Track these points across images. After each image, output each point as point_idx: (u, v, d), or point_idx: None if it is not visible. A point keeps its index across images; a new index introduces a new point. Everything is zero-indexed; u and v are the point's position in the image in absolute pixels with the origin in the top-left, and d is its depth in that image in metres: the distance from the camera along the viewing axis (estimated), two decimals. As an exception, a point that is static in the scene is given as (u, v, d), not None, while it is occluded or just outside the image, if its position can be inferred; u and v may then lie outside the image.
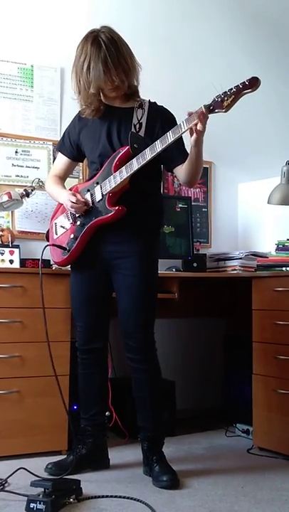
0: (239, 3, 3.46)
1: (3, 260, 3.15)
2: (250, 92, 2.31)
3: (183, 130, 2.45)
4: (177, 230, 3.80)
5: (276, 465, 2.98)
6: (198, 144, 2.54)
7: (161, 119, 2.70)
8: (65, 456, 2.86)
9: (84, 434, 2.83)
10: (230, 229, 4.36)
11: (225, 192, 4.36)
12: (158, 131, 2.65)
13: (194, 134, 2.48)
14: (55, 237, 2.90)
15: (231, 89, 2.33)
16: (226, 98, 2.34)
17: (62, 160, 2.96)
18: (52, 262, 3.01)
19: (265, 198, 3.77)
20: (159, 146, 2.50)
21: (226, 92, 2.35)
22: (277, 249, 3.53)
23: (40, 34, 3.61)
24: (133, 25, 3.57)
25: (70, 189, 2.87)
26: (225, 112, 2.37)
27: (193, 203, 4.05)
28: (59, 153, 2.97)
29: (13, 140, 3.60)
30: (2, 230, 3.34)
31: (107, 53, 2.57)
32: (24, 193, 3.40)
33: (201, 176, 4.16)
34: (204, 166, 4.19)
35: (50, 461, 2.76)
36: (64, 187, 2.92)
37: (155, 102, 2.78)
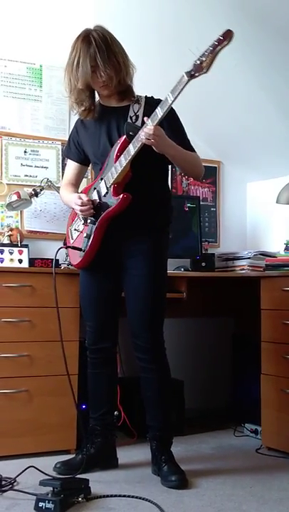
0: (246, 3, 3.46)
1: (12, 260, 3.16)
2: (226, 45, 2.27)
3: (170, 102, 2.42)
4: (186, 230, 3.80)
5: (285, 465, 2.98)
6: (160, 150, 2.55)
7: None
8: (74, 455, 2.86)
9: (93, 433, 2.84)
10: (238, 228, 4.35)
11: (233, 191, 4.36)
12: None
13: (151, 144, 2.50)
14: (71, 241, 2.90)
15: (208, 49, 2.30)
16: (204, 59, 2.32)
17: (71, 166, 2.96)
18: (61, 263, 3.02)
19: (274, 197, 3.77)
20: (149, 124, 2.48)
21: (203, 54, 2.32)
22: (286, 248, 3.53)
23: (48, 34, 3.61)
24: (141, 25, 3.56)
25: (82, 192, 2.87)
26: (206, 72, 2.34)
27: (201, 203, 4.05)
28: (68, 160, 2.98)
29: (22, 140, 3.61)
30: (11, 230, 3.35)
31: (97, 49, 2.58)
32: (33, 192, 3.41)
33: (210, 175, 4.21)
34: (212, 165, 4.22)
35: (58, 461, 2.76)
36: (77, 192, 2.91)
37: (152, 97, 2.77)
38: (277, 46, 3.44)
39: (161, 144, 2.53)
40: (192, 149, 2.76)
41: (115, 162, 2.62)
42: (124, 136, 2.62)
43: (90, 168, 3.57)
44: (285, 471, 2.86)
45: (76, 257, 2.81)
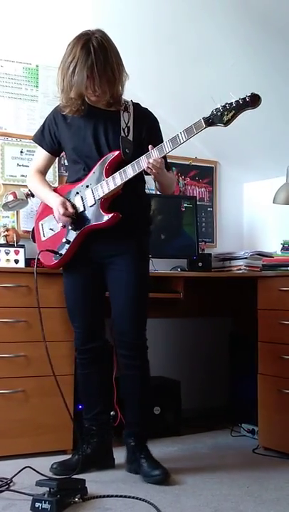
0: (245, 2, 3.46)
1: (8, 260, 3.16)
2: (251, 109, 2.31)
3: (181, 141, 2.46)
4: (182, 230, 3.81)
5: (281, 465, 2.98)
6: (158, 179, 2.66)
7: (147, 123, 2.72)
8: (70, 455, 2.86)
9: (88, 433, 2.83)
10: (235, 228, 4.35)
11: (230, 191, 4.36)
12: (144, 136, 2.68)
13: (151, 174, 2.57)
14: (42, 239, 2.88)
15: (231, 103, 2.31)
16: (225, 113, 2.34)
17: (42, 155, 2.90)
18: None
19: (271, 197, 3.77)
20: (156, 154, 2.51)
21: (225, 107, 2.34)
22: (283, 248, 3.53)
23: (45, 34, 3.61)
24: (138, 25, 3.56)
25: (55, 190, 2.85)
26: (224, 126, 2.38)
27: (198, 203, 4.05)
28: (39, 147, 2.92)
29: (18, 140, 3.61)
30: (7, 230, 3.35)
31: (95, 61, 2.54)
32: (29, 192, 3.40)
33: (206, 175, 4.22)
34: (209, 165, 4.23)
35: (55, 461, 2.76)
36: (49, 186, 2.90)
37: (139, 104, 2.77)
38: (279, 46, 3.45)
39: (161, 175, 2.60)
40: (169, 168, 2.81)
41: (106, 176, 2.62)
42: (119, 152, 2.62)
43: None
44: (281, 471, 2.86)
45: (50, 259, 2.81)
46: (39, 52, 3.65)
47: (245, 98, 2.29)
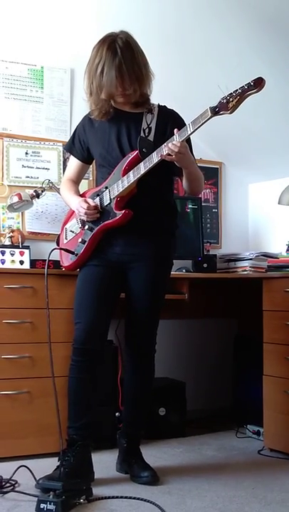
0: (250, 3, 3.45)
1: (13, 261, 3.17)
2: (255, 92, 2.30)
3: (189, 132, 2.44)
4: (187, 231, 3.80)
5: (287, 466, 2.97)
6: (182, 165, 2.59)
7: (172, 121, 2.68)
8: (54, 469, 2.64)
9: (72, 445, 2.65)
10: (240, 230, 4.35)
11: (235, 192, 4.36)
12: (169, 134, 2.62)
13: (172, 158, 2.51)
14: (65, 242, 2.88)
15: (236, 90, 2.31)
16: (231, 99, 2.33)
17: (73, 163, 2.92)
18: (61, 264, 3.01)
19: (276, 198, 3.77)
20: (176, 138, 2.48)
21: (231, 94, 2.33)
22: (288, 249, 3.52)
23: (50, 35, 3.62)
24: (143, 26, 3.55)
25: (82, 195, 2.85)
26: (230, 113, 2.36)
27: (203, 204, 4.05)
28: (70, 156, 2.94)
29: (24, 141, 3.62)
30: (12, 231, 3.35)
31: (122, 60, 2.55)
32: (34, 194, 3.42)
33: (211, 176, 4.21)
34: (214, 166, 4.23)
35: (40, 477, 2.54)
36: (78, 191, 2.89)
37: (165, 106, 2.76)
38: (284, 47, 3.44)
39: (184, 160, 2.54)
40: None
41: (123, 175, 2.61)
42: (137, 152, 2.61)
43: (93, 168, 3.58)
44: (287, 472, 2.85)
45: (67, 259, 2.81)
46: (44, 54, 3.66)
47: (249, 82, 2.29)
